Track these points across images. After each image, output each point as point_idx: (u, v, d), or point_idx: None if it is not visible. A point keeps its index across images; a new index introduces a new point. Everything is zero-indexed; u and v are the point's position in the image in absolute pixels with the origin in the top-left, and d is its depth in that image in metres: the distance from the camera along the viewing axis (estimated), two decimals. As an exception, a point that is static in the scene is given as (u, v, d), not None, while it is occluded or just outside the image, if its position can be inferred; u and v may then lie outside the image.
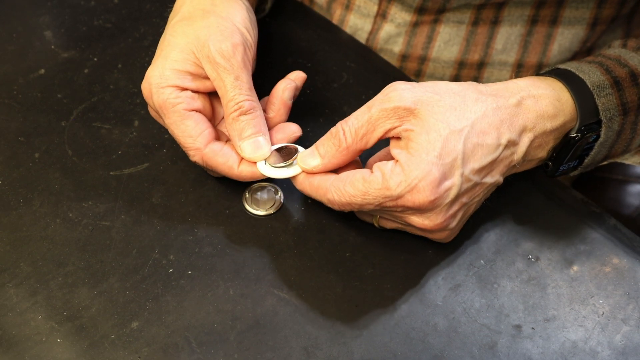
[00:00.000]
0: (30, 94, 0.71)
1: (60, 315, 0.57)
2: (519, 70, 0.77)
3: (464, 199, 0.57)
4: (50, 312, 0.57)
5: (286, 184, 0.65)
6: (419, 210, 0.56)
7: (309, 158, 0.60)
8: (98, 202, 0.63)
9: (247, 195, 0.64)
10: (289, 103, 0.65)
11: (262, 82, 0.70)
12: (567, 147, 0.61)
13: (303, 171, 0.60)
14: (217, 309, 0.58)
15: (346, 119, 0.58)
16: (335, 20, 0.81)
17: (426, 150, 0.55)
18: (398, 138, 0.57)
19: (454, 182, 0.55)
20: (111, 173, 0.65)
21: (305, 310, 0.58)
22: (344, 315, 0.58)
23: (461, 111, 0.56)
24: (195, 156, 0.62)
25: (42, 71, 0.73)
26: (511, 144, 0.57)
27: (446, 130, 0.55)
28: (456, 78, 0.79)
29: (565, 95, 0.60)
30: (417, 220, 0.57)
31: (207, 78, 0.62)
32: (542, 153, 0.60)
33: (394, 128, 0.56)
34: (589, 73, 0.61)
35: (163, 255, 0.60)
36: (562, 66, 0.63)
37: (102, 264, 0.60)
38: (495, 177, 0.58)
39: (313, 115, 0.71)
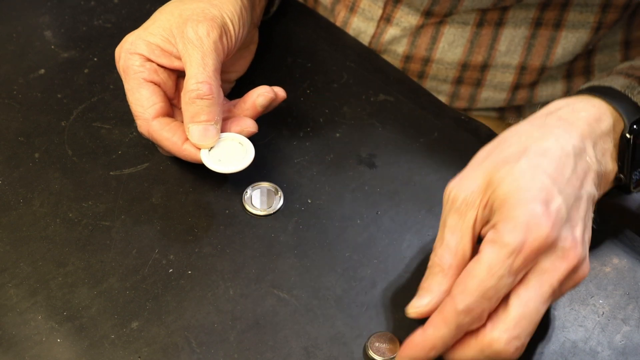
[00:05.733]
0: (30, 94, 0.71)
1: (60, 315, 0.57)
2: (522, 72, 0.77)
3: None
4: (50, 312, 0.57)
5: (286, 184, 0.65)
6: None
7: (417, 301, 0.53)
8: (98, 202, 0.63)
9: (247, 195, 0.64)
10: (259, 109, 0.65)
11: (262, 83, 0.70)
12: (627, 149, 0.58)
13: (415, 316, 0.52)
14: (217, 309, 0.58)
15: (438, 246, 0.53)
16: (338, 22, 0.81)
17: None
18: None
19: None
20: (111, 173, 0.65)
21: (305, 310, 0.58)
22: (344, 315, 0.58)
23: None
24: (141, 126, 0.62)
25: (42, 71, 0.73)
26: (578, 149, 0.54)
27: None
28: (459, 80, 0.79)
29: (598, 101, 0.58)
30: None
31: (177, 58, 0.63)
32: (609, 161, 0.58)
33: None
34: (612, 80, 0.60)
35: (163, 255, 0.60)
36: (583, 87, 0.61)
37: (102, 264, 0.60)
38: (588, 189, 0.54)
39: (313, 115, 0.71)
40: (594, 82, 0.61)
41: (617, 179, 0.59)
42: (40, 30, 0.77)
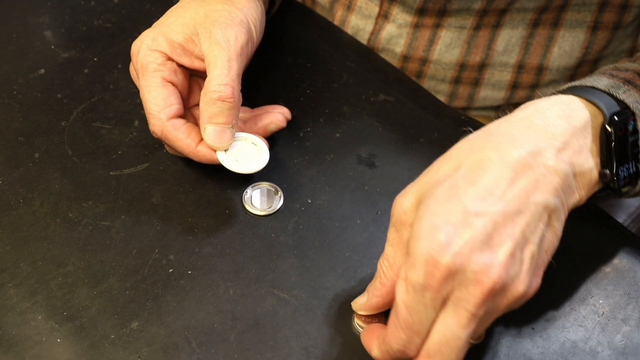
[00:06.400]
0: (30, 94, 0.71)
1: (60, 315, 0.57)
2: (519, 71, 0.77)
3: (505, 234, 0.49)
4: (50, 312, 0.57)
5: (286, 184, 0.65)
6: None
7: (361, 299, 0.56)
8: (98, 202, 0.63)
9: (247, 195, 0.64)
10: (268, 134, 0.67)
11: (262, 82, 0.70)
12: (608, 143, 0.55)
13: (355, 308, 0.56)
14: (217, 309, 0.58)
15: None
16: (337, 20, 0.81)
17: None
18: None
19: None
20: (111, 173, 0.65)
21: (305, 310, 0.58)
22: (344, 315, 0.58)
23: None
24: (155, 125, 0.62)
25: (42, 71, 0.73)
26: (524, 157, 0.51)
27: None
28: (457, 79, 0.79)
29: (569, 98, 0.56)
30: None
31: (198, 58, 0.63)
32: (588, 157, 0.55)
33: None
34: (595, 81, 0.58)
35: (163, 255, 0.60)
36: (565, 86, 0.60)
37: (102, 264, 0.60)
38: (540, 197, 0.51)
39: (313, 115, 0.71)
40: (575, 82, 0.59)
41: (602, 175, 0.55)
42: (40, 30, 0.77)
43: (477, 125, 0.71)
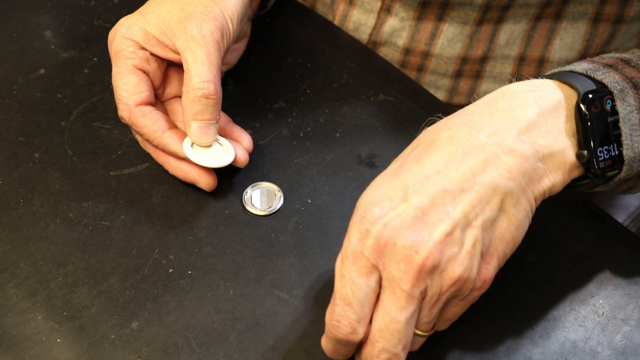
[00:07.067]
0: (30, 94, 0.71)
1: (60, 315, 0.57)
2: (521, 63, 0.78)
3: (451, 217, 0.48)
4: (50, 312, 0.57)
5: (286, 184, 0.65)
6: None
7: None
8: (98, 202, 0.63)
9: (247, 195, 0.64)
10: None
11: (262, 82, 0.70)
12: (583, 121, 0.52)
13: None
14: (217, 309, 0.58)
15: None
16: (338, 15, 0.81)
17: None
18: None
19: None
20: (111, 173, 0.65)
21: (305, 310, 0.58)
22: (344, 315, 0.58)
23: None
24: (123, 111, 0.62)
25: (42, 71, 0.73)
26: (485, 135, 0.50)
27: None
28: (459, 73, 0.79)
29: (540, 81, 0.55)
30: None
31: (173, 50, 0.63)
32: (562, 138, 0.52)
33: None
34: (574, 65, 0.57)
35: (163, 255, 0.60)
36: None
37: (102, 264, 0.60)
38: (488, 176, 0.49)
39: (313, 115, 0.71)
40: (555, 70, 0.58)
41: (579, 156, 0.52)
42: (40, 30, 0.77)
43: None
